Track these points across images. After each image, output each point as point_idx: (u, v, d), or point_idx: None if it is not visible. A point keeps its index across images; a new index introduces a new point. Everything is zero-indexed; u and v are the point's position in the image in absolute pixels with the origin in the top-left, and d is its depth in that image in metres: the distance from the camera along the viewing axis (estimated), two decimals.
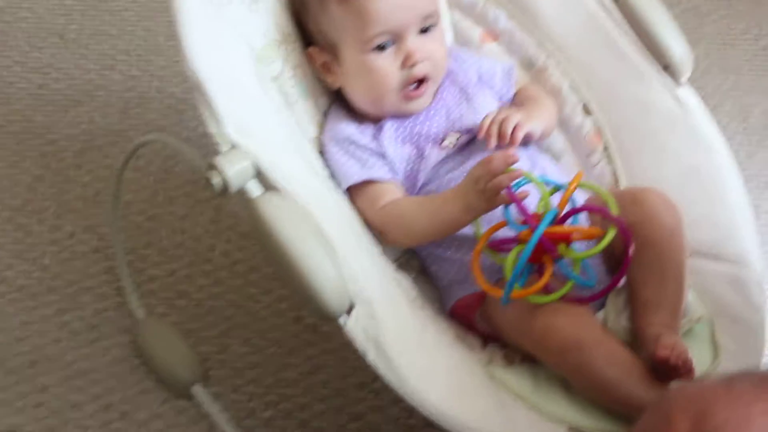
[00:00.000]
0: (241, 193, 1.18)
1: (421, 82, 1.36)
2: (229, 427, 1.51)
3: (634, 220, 1.24)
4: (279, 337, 1.64)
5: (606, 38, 1.46)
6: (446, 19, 1.58)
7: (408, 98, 1.37)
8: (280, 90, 1.36)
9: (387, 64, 1.34)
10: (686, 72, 1.41)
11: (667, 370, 1.15)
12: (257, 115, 1.25)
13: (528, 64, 1.55)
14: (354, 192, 1.35)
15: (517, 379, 1.24)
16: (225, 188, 1.16)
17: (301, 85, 1.39)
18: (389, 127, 1.38)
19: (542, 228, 1.17)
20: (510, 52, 1.56)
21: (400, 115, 1.39)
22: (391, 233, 1.32)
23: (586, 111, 1.47)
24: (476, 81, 1.45)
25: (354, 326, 1.15)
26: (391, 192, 1.35)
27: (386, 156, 1.36)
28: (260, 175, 1.18)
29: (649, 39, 1.42)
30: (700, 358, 1.24)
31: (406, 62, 1.34)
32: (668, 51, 1.41)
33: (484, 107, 1.41)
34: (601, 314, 1.30)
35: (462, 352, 1.26)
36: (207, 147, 1.19)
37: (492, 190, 1.20)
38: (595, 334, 1.21)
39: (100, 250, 1.75)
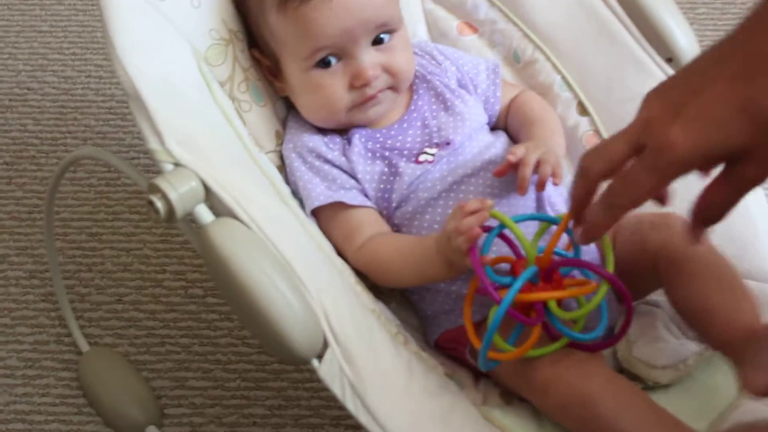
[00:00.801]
0: (190, 219, 1.05)
1: (374, 96, 1.22)
2: None
3: (659, 239, 1.12)
4: (243, 368, 1.52)
5: (601, 27, 1.31)
6: (417, 9, 1.44)
7: (358, 110, 1.22)
8: (230, 96, 1.21)
9: (333, 83, 1.20)
10: None
11: None
12: (204, 126, 1.11)
13: (513, 59, 1.39)
14: (322, 216, 1.20)
15: (517, 421, 1.11)
16: (171, 213, 1.03)
17: (255, 90, 1.24)
18: (358, 140, 1.22)
19: (510, 296, 1.01)
20: (492, 46, 1.41)
21: (359, 126, 1.24)
22: (371, 277, 1.19)
23: (582, 110, 1.33)
24: (456, 84, 1.30)
25: (329, 371, 1.02)
26: (367, 223, 1.20)
27: (357, 175, 1.21)
28: (210, 197, 1.04)
29: (651, 28, 1.28)
30: (725, 389, 1.12)
31: (356, 82, 1.19)
32: (672, 41, 1.27)
33: (466, 115, 1.25)
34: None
35: (453, 395, 1.12)
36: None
37: (459, 252, 1.06)
38: (601, 382, 1.07)
39: (36, 275, 1.62)
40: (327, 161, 1.21)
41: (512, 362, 1.07)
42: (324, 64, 1.18)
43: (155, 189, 1.02)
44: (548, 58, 1.34)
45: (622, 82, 1.29)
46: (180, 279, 1.60)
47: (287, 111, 1.28)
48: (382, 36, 1.20)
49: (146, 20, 1.11)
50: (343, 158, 1.22)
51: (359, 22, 1.17)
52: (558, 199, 1.20)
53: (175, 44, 1.15)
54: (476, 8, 1.40)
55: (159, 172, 1.03)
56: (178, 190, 1.01)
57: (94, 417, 1.45)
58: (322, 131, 1.24)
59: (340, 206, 1.19)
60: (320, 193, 1.19)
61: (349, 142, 1.23)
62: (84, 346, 1.50)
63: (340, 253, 1.18)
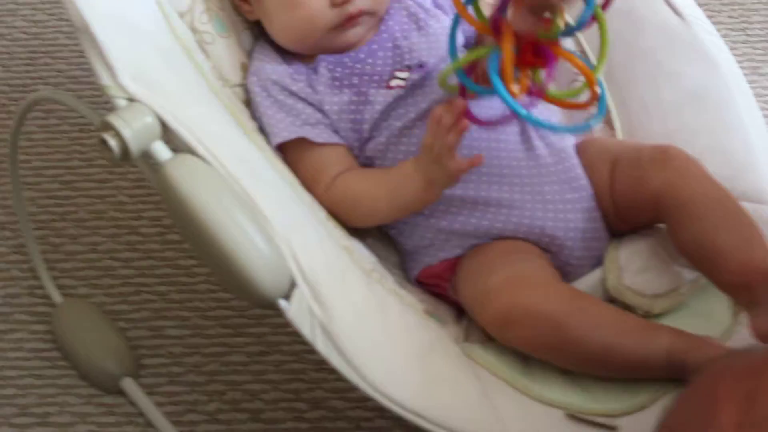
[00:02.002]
0: (146, 158, 0.99)
1: (353, 17, 1.16)
2: (167, 424, 1.34)
3: (662, 178, 1.08)
4: (222, 314, 1.46)
5: None
6: None
7: (337, 32, 1.16)
8: (191, 28, 1.15)
9: (314, 1, 1.13)
10: None
11: None
12: (161, 60, 1.05)
13: None
14: (288, 153, 1.15)
15: (499, 358, 1.07)
16: (125, 152, 0.97)
17: (218, 20, 1.19)
18: (324, 68, 1.16)
19: None
20: None
21: (334, 51, 1.17)
22: (340, 215, 1.13)
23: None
24: (430, 4, 1.24)
25: (297, 312, 0.98)
26: (336, 161, 1.15)
27: (324, 107, 1.15)
28: (168, 134, 0.99)
29: None
30: (720, 316, 1.09)
31: None
32: None
33: (441, 36, 1.18)
34: (597, 273, 1.13)
35: (433, 331, 1.08)
36: None
37: (445, 154, 1.02)
38: (564, 299, 1.05)
39: (6, 226, 1.56)
40: (292, 94, 1.15)
41: (472, 291, 1.07)
42: None
43: (107, 126, 0.97)
44: None
45: None
46: (156, 225, 1.55)
47: (253, 42, 1.22)
48: None
49: None
50: (309, 89, 1.16)
51: None
52: (539, 117, 1.15)
53: None
54: None
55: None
56: (132, 127, 0.96)
57: (69, 370, 1.40)
58: (287, 62, 1.18)
59: (306, 144, 1.14)
60: (284, 129, 1.13)
61: (315, 71, 1.17)
62: (57, 297, 1.45)
63: (309, 189, 1.12)
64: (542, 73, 1.01)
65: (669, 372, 1.01)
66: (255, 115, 1.16)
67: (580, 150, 1.16)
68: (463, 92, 1.04)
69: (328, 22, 1.14)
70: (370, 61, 1.17)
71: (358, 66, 1.17)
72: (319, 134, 1.14)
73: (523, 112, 0.98)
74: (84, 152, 1.63)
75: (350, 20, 1.15)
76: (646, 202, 1.09)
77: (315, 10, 1.14)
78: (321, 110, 1.15)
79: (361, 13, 1.15)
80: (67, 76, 1.72)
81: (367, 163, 1.16)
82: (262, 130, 1.15)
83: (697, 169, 1.09)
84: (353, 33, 1.17)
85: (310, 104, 1.15)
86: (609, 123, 1.24)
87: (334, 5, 1.14)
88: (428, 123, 1.04)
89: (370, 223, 1.16)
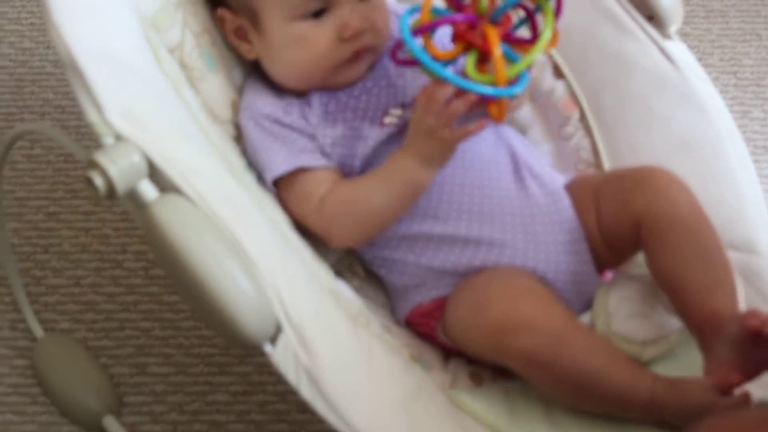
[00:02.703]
0: (132, 197, 0.98)
1: (359, 53, 1.15)
2: None
3: (643, 202, 1.08)
4: (206, 352, 1.45)
5: None
6: None
7: (344, 68, 1.16)
8: (181, 64, 1.14)
9: (321, 35, 1.13)
10: (675, 23, 1.23)
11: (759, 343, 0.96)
12: (149, 96, 1.04)
13: None
14: (282, 185, 1.14)
15: (486, 404, 1.06)
16: (111, 190, 0.96)
17: (208, 57, 1.17)
18: (317, 102, 1.15)
19: None
20: None
21: (330, 88, 1.17)
22: (337, 230, 1.12)
23: (557, 72, 1.27)
24: None
25: (283, 357, 0.97)
26: (328, 180, 1.14)
27: (316, 138, 1.14)
28: (155, 173, 0.98)
29: None
30: None
31: (345, 33, 1.12)
32: None
33: None
34: (586, 317, 1.12)
35: (419, 378, 1.07)
36: None
37: (441, 127, 1.02)
38: (564, 317, 1.05)
39: None
40: (285, 126, 1.15)
41: (470, 302, 1.07)
42: (314, 14, 1.12)
43: (93, 164, 0.96)
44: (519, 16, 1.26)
45: (599, 42, 1.25)
46: (141, 259, 1.53)
47: (244, 78, 1.21)
48: None
49: None
50: (302, 121, 1.15)
51: None
52: (530, 159, 1.17)
53: (117, 8, 1.07)
54: None
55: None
56: (119, 165, 0.95)
57: (50, 407, 1.38)
58: (279, 96, 1.18)
59: (302, 172, 1.13)
60: (281, 162, 1.13)
61: (309, 104, 1.16)
62: (39, 332, 1.44)
63: (302, 218, 1.12)
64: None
65: (649, 414, 1.00)
66: (247, 151, 1.15)
67: (569, 189, 1.16)
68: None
69: (336, 59, 1.14)
70: (364, 97, 1.17)
71: (352, 101, 1.16)
72: (315, 159, 1.14)
73: (444, 72, 0.98)
74: (69, 183, 1.61)
75: (355, 56, 1.15)
76: (629, 226, 1.09)
77: (324, 47, 1.13)
78: (314, 139, 1.15)
79: (366, 49, 1.15)
80: (53, 105, 1.70)
81: None
82: (253, 166, 1.14)
83: (680, 194, 1.09)
84: (356, 70, 1.16)
85: (305, 134, 1.15)
86: (599, 166, 1.24)
87: (342, 41, 1.13)
88: (417, 99, 1.04)
89: (367, 227, 1.13)
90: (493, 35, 0.97)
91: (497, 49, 0.97)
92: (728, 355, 0.97)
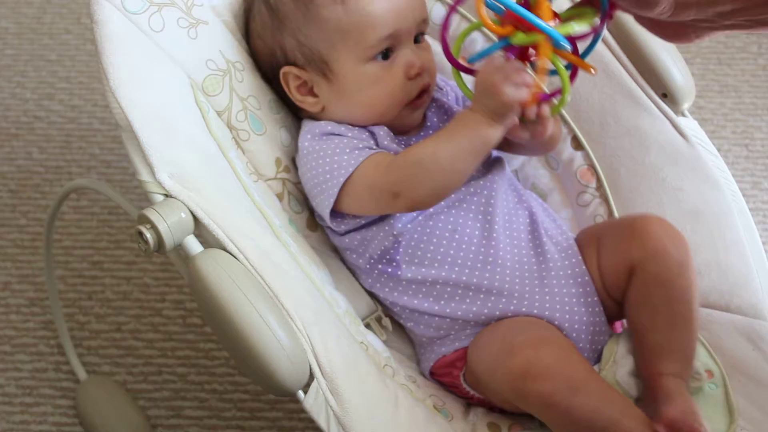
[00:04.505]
0: (178, 250, 1.06)
1: (419, 96, 1.22)
2: None
3: (637, 255, 1.15)
4: (238, 397, 1.51)
5: (596, 62, 1.27)
6: None
7: (410, 108, 1.22)
8: (228, 125, 1.21)
9: (393, 74, 1.19)
10: (688, 100, 1.28)
11: None
12: (197, 158, 1.12)
13: None
14: (349, 185, 1.16)
15: None
16: (160, 244, 1.04)
17: (253, 119, 1.23)
18: (383, 128, 1.22)
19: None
20: None
21: (398, 132, 1.24)
22: (407, 185, 1.13)
23: (576, 144, 1.32)
24: (454, 101, 1.30)
25: (314, 403, 1.03)
26: (390, 155, 1.18)
27: (378, 142, 1.21)
28: (200, 229, 1.06)
29: (645, 63, 1.27)
30: (714, 423, 1.11)
31: (411, 72, 1.19)
32: (667, 77, 1.27)
33: None
34: (595, 368, 1.16)
35: (441, 426, 1.12)
36: None
37: (508, 75, 1.05)
38: (584, 367, 1.09)
39: (36, 302, 1.62)
40: (347, 138, 1.19)
41: (496, 348, 1.11)
42: (383, 55, 1.18)
43: (145, 220, 1.03)
44: None
45: (616, 116, 1.28)
46: (179, 308, 1.60)
47: (291, 139, 1.27)
48: (421, 33, 1.22)
49: (141, 51, 1.12)
50: (365, 134, 1.20)
51: (412, 13, 1.19)
52: (547, 220, 1.22)
53: (170, 75, 1.15)
54: (471, 40, 1.39)
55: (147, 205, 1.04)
56: (167, 221, 1.03)
57: None
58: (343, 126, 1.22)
59: (367, 159, 1.16)
60: (349, 161, 1.16)
61: (372, 133, 1.22)
62: (82, 374, 1.50)
63: (371, 191, 1.15)
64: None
65: None
66: (305, 173, 1.19)
67: (577, 240, 1.22)
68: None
69: (406, 96, 1.20)
70: None
71: (412, 142, 1.22)
72: (378, 149, 1.18)
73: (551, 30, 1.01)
74: (113, 234, 1.68)
75: (421, 96, 1.21)
76: (624, 275, 1.15)
77: (397, 85, 1.19)
78: (375, 138, 1.20)
79: (429, 87, 1.22)
80: (99, 160, 1.78)
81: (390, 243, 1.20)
82: (294, 221, 1.22)
83: (672, 250, 1.14)
84: (419, 113, 1.23)
85: (367, 139, 1.20)
86: None
87: (409, 78, 1.19)
88: (483, 65, 1.08)
89: (435, 184, 1.13)
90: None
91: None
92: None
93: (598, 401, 1.05)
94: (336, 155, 1.17)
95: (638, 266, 1.14)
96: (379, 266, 1.20)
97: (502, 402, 1.15)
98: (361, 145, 1.18)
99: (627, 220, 1.22)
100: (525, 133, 1.14)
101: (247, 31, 1.27)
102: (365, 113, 1.21)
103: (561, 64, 1.03)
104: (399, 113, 1.21)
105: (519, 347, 1.08)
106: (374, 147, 1.19)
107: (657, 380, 1.11)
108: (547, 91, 1.07)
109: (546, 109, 1.11)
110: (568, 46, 1.02)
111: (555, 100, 1.10)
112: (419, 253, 1.19)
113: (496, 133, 1.10)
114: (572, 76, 1.06)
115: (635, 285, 1.15)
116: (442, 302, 1.18)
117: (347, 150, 1.17)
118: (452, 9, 1.12)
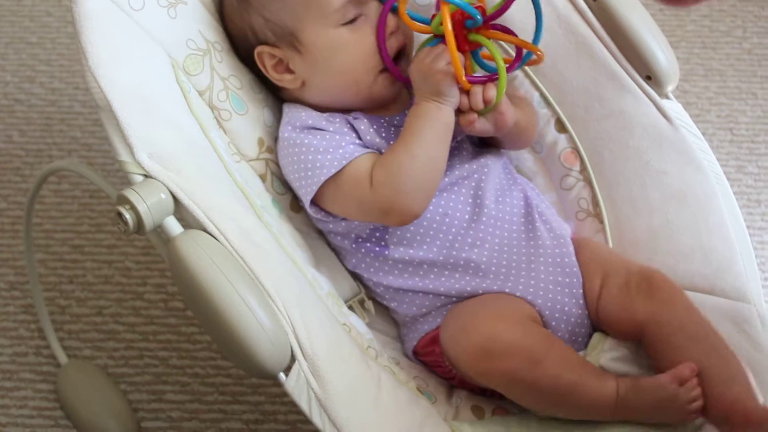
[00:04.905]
0: (158, 231, 1.05)
1: (398, 57, 1.21)
2: None
3: (647, 310, 1.14)
4: (221, 381, 1.50)
5: (580, 45, 1.29)
6: None
7: (389, 77, 1.21)
8: (209, 105, 1.20)
9: (362, 35, 1.19)
10: (672, 83, 1.27)
11: None
12: (177, 138, 1.11)
13: None
14: (330, 186, 1.16)
15: None
16: (140, 225, 1.03)
17: (234, 99, 1.22)
18: (362, 116, 1.22)
19: None
20: None
21: (373, 108, 1.23)
22: (399, 201, 1.13)
23: (560, 127, 1.31)
24: None
25: (296, 385, 1.03)
26: (371, 160, 1.17)
27: (360, 136, 1.20)
28: (180, 210, 1.05)
29: (629, 45, 1.26)
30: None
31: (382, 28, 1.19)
32: (651, 59, 1.25)
33: None
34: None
35: (424, 409, 1.12)
36: None
37: (437, 56, 1.13)
38: (541, 337, 1.11)
39: (16, 286, 1.60)
40: (329, 132, 1.18)
41: (458, 324, 1.12)
42: (350, 21, 1.18)
43: (124, 200, 1.02)
44: (527, 75, 1.32)
45: (600, 99, 1.28)
46: (160, 292, 1.59)
47: (273, 119, 1.25)
48: None
49: (121, 30, 1.11)
50: (346, 128, 1.19)
51: None
52: (542, 205, 1.23)
53: (150, 54, 1.14)
54: None
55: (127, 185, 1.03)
56: (147, 202, 1.02)
57: (71, 430, 1.44)
58: (322, 111, 1.22)
59: (348, 165, 1.16)
60: (329, 162, 1.15)
61: (353, 118, 1.21)
62: (63, 358, 1.49)
63: (360, 204, 1.15)
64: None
65: (618, 413, 1.08)
66: (286, 166, 1.19)
67: (575, 246, 1.22)
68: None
69: (377, 59, 1.19)
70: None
71: (393, 127, 1.21)
72: (359, 149, 1.17)
73: None
74: (94, 218, 1.67)
75: (399, 58, 1.21)
76: (631, 327, 1.15)
77: (367, 47, 1.19)
78: (355, 131, 1.19)
79: (405, 47, 1.21)
80: (80, 143, 1.77)
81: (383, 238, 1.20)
82: (277, 201, 1.21)
83: (680, 300, 1.14)
84: (399, 85, 1.22)
85: (347, 133, 1.19)
86: (598, 216, 1.28)
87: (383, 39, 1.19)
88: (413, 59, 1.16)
89: (423, 182, 1.14)
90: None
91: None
92: None
93: (560, 368, 1.08)
94: (319, 153, 1.16)
95: (650, 321, 1.13)
96: (367, 245, 1.20)
97: (469, 379, 1.15)
98: (343, 143, 1.17)
99: (633, 274, 1.18)
100: (488, 125, 1.16)
101: (222, 15, 1.26)
102: (342, 83, 1.21)
103: (493, 45, 1.12)
104: (376, 81, 1.20)
105: (477, 325, 1.10)
106: (357, 142, 1.18)
107: (734, 408, 1.08)
108: (479, 70, 1.15)
109: (491, 93, 1.14)
110: (475, 13, 1.10)
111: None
112: (408, 234, 1.18)
113: (448, 112, 1.14)
114: (517, 59, 1.16)
115: (654, 338, 1.13)
116: (426, 280, 1.18)
117: (330, 149, 1.16)
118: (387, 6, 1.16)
